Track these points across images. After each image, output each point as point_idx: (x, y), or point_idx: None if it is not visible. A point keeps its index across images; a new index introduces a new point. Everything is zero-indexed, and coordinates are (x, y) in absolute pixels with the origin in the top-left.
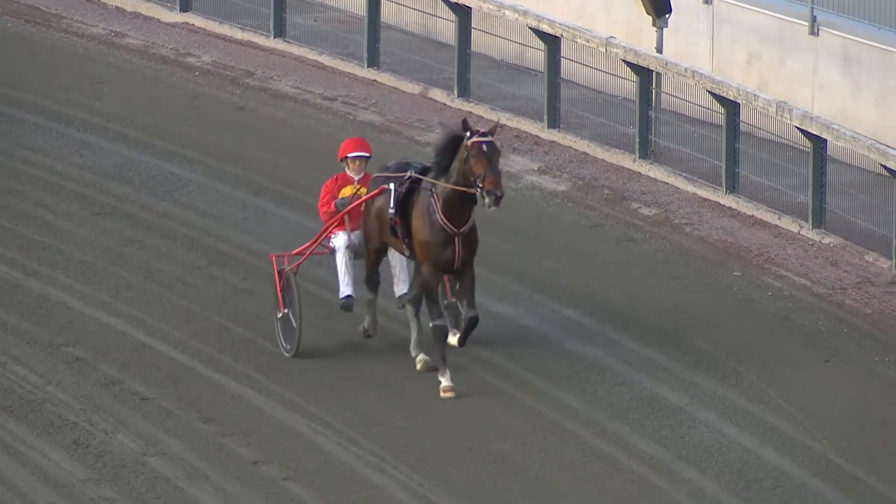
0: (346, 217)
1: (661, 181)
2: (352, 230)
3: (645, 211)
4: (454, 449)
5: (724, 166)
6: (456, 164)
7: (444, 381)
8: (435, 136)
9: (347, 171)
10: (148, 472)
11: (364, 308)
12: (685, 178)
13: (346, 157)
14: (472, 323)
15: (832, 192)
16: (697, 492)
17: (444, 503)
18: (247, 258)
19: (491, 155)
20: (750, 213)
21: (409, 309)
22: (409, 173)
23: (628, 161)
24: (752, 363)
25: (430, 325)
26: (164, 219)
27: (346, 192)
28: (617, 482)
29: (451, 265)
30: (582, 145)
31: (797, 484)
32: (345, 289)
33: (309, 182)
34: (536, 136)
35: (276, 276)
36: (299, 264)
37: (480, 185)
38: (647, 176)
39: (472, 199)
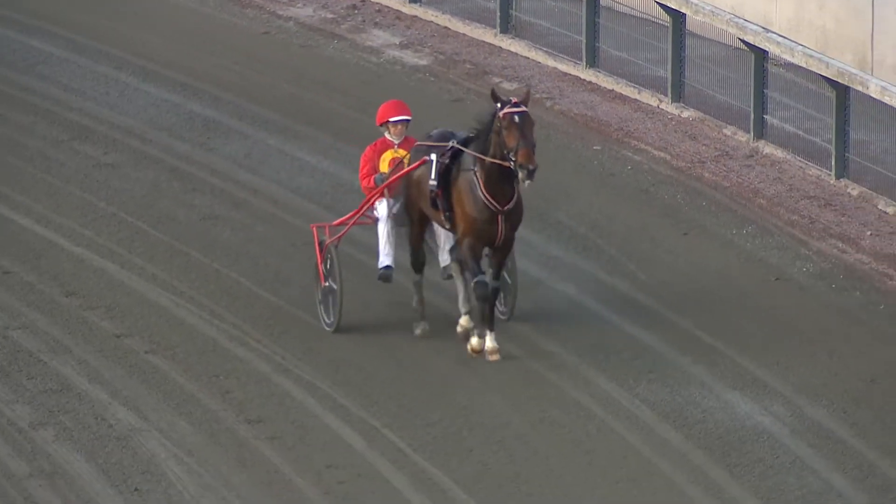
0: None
1: (521, 56)
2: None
3: (506, 85)
4: (317, 324)
5: (584, 41)
6: (492, 137)
7: (489, 343)
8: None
9: (387, 136)
10: (10, 346)
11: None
12: (546, 52)
13: (387, 122)
14: (494, 293)
15: (691, 67)
16: (559, 365)
17: (307, 375)
18: (108, 132)
19: (523, 126)
20: (610, 87)
21: (455, 267)
22: (451, 143)
23: (489, 35)
24: (611, 236)
25: (472, 283)
26: (25, 93)
27: (388, 156)
28: (480, 356)
29: (493, 241)
30: (443, 20)
31: (655, 355)
32: (384, 259)
33: (173, 56)
34: (398, 10)
35: (317, 247)
36: (341, 236)
37: (514, 159)
38: (508, 50)
39: (512, 174)
